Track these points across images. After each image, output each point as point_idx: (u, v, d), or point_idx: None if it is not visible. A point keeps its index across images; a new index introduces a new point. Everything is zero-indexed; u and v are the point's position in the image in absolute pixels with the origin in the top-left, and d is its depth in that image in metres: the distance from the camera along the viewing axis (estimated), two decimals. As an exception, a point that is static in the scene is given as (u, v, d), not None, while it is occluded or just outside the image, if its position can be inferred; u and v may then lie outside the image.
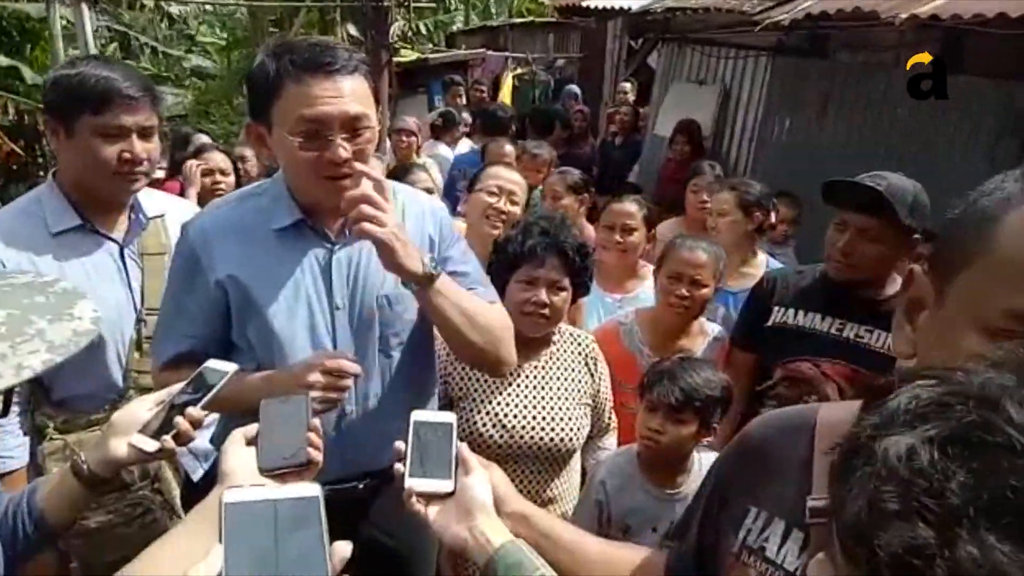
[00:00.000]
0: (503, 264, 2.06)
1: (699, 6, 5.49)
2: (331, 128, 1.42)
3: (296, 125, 1.42)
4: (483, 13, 16.62)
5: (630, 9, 6.31)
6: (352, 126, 1.44)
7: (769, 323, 2.34)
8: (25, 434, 1.76)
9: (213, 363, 1.28)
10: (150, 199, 1.97)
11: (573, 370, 2.08)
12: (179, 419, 1.17)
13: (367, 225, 1.39)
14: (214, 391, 1.23)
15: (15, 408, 1.73)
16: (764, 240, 3.34)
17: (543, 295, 1.98)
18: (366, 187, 1.41)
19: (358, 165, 1.43)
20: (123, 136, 1.75)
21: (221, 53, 14.85)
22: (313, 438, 1.08)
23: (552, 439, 1.97)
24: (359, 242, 1.56)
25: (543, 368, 2.05)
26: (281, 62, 1.43)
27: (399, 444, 1.13)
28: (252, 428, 1.08)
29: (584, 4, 6.75)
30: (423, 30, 12.80)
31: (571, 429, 2.00)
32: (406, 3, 5.90)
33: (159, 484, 1.85)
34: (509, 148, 4.47)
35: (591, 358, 2.14)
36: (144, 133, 1.79)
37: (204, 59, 14.28)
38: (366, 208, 1.39)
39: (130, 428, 1.18)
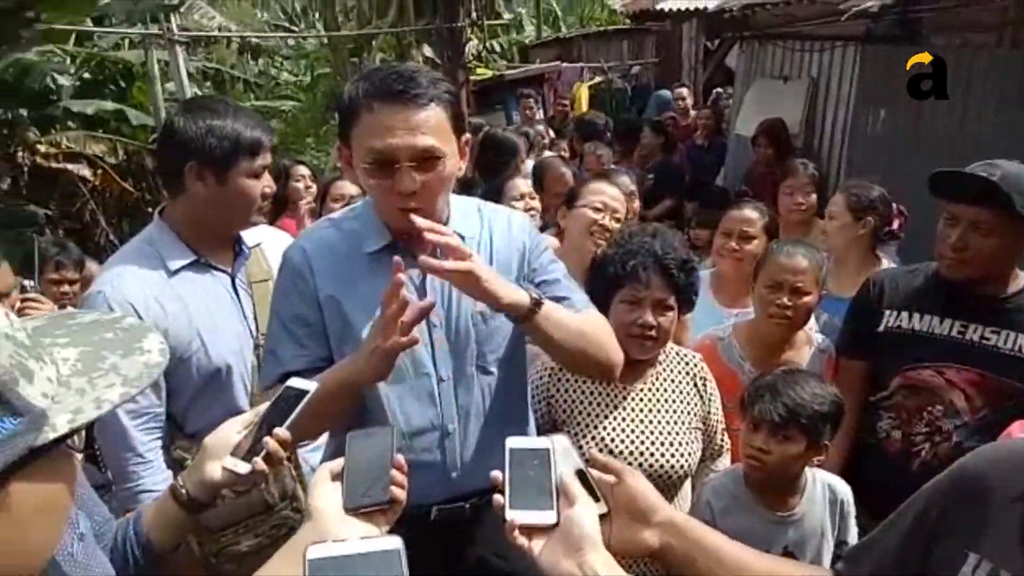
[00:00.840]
0: (603, 283, 2.00)
1: (780, 0, 5.31)
2: (399, 160, 1.43)
3: (366, 155, 1.45)
4: (554, 26, 16.69)
5: (706, 9, 6.16)
6: (422, 158, 1.44)
7: (881, 328, 2.21)
8: (168, 467, 1.84)
9: (295, 381, 1.30)
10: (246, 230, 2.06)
11: (682, 391, 2.01)
12: (267, 439, 1.20)
13: (447, 264, 1.38)
14: (297, 409, 1.24)
15: (157, 443, 1.81)
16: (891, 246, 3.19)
17: (649, 316, 1.90)
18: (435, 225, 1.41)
19: (419, 221, 1.41)
20: (263, 174, 1.89)
21: (306, 91, 15.43)
22: (396, 475, 1.07)
23: (663, 464, 1.90)
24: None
25: (650, 390, 1.98)
26: (358, 89, 1.45)
27: (496, 473, 1.10)
28: (338, 464, 1.09)
29: (658, 7, 6.64)
30: (497, 48, 12.96)
31: (682, 454, 1.93)
32: (480, 22, 5.95)
33: (297, 503, 1.90)
34: (565, 170, 4.35)
35: (700, 378, 2.06)
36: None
37: (287, 100, 14.82)
38: (437, 238, 1.39)
39: (222, 451, 1.22)
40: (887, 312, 2.21)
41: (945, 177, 2.03)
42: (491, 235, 1.66)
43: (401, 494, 1.06)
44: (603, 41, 11.71)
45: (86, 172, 9.38)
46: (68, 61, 10.10)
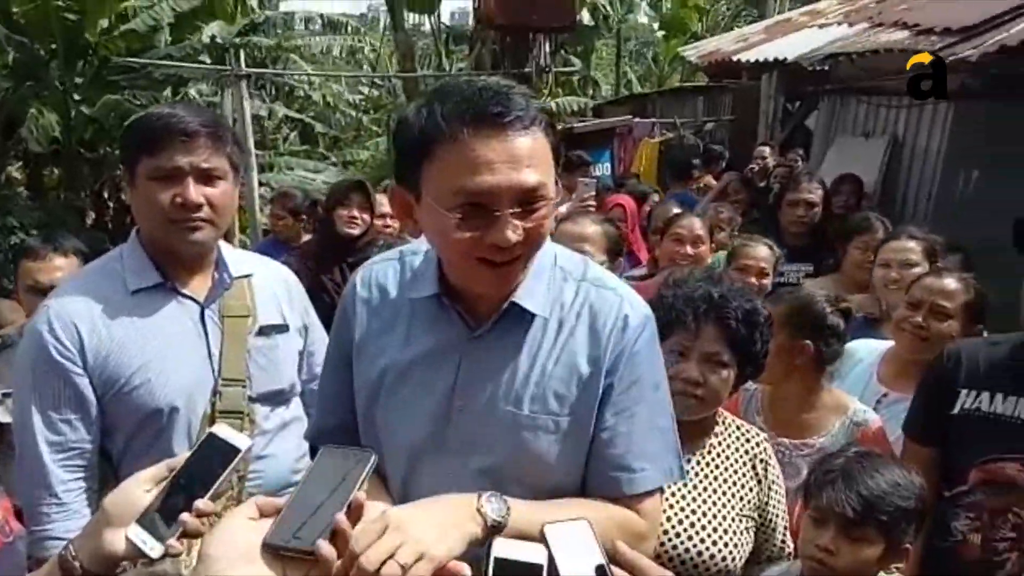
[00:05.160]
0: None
1: (866, 49, 5.00)
2: (498, 203, 1.10)
3: (453, 199, 1.11)
4: (630, 85, 16.72)
5: (786, 60, 5.89)
6: (526, 199, 1.12)
7: (955, 410, 1.90)
8: (93, 514, 1.63)
9: (223, 431, 1.03)
10: (237, 257, 1.84)
11: (736, 472, 1.71)
12: (185, 516, 0.94)
13: None
14: (225, 474, 0.99)
15: (80, 484, 1.61)
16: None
17: (694, 370, 1.63)
18: None
19: None
20: (179, 179, 1.59)
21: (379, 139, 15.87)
22: (340, 521, 0.85)
23: (701, 553, 1.59)
24: (507, 332, 1.25)
25: (698, 465, 1.69)
26: (434, 113, 1.11)
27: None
28: (273, 502, 0.88)
29: (735, 58, 6.41)
30: (572, 109, 12.98)
31: (727, 545, 1.61)
32: (547, 69, 5.86)
33: None
34: None
35: (760, 460, 1.75)
36: (204, 176, 1.62)
37: (367, 151, 15.22)
38: None
39: (126, 516, 0.98)
40: (963, 392, 1.90)
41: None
42: (578, 321, 1.27)
43: (329, 553, 0.83)
44: (678, 99, 11.54)
45: (164, 209, 9.74)
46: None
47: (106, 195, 10.13)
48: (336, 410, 1.36)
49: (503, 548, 0.93)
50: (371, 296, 1.33)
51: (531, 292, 1.24)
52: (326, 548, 0.83)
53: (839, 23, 6.15)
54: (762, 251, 3.03)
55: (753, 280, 2.90)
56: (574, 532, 0.99)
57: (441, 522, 1.05)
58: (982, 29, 4.35)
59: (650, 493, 1.28)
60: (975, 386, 1.88)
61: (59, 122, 9.32)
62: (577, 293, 1.28)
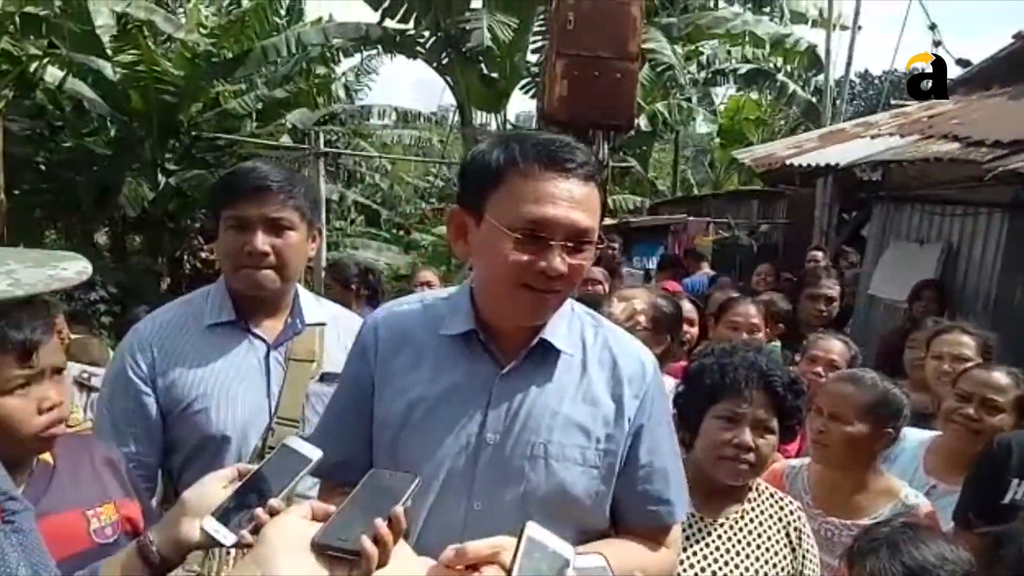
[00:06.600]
0: (698, 395, 1.80)
1: (918, 158, 5.10)
2: (554, 234, 1.25)
3: (516, 222, 1.25)
4: (689, 188, 17.06)
5: (837, 165, 6.02)
6: (577, 238, 1.26)
7: (1007, 500, 1.91)
8: None
9: (296, 443, 1.16)
10: (315, 306, 1.95)
11: (769, 539, 1.74)
12: (259, 511, 1.03)
13: None
14: (296, 479, 1.11)
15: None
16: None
17: (748, 436, 1.68)
18: None
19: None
20: (249, 228, 1.72)
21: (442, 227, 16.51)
22: (380, 527, 0.91)
23: None
24: (536, 368, 1.35)
25: (731, 529, 1.72)
26: (510, 150, 1.28)
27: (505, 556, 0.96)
28: (325, 507, 0.96)
29: (788, 162, 6.56)
30: (625, 206, 13.29)
31: None
32: (606, 164, 6.10)
33: None
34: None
35: (795, 528, 1.78)
36: (272, 226, 1.74)
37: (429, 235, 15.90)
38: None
39: (203, 509, 1.10)
40: (1015, 481, 1.91)
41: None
42: (599, 362, 1.39)
43: (371, 549, 0.91)
44: (733, 201, 11.71)
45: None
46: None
47: (184, 260, 10.68)
48: (350, 442, 1.39)
49: (537, 532, 0.98)
50: (395, 336, 1.40)
51: (557, 331, 1.37)
52: (369, 545, 0.91)
53: (891, 134, 6.27)
54: (836, 346, 3.00)
55: (820, 370, 2.85)
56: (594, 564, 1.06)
57: None
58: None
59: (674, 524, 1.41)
60: None
61: (150, 190, 10.03)
62: (596, 336, 1.42)
